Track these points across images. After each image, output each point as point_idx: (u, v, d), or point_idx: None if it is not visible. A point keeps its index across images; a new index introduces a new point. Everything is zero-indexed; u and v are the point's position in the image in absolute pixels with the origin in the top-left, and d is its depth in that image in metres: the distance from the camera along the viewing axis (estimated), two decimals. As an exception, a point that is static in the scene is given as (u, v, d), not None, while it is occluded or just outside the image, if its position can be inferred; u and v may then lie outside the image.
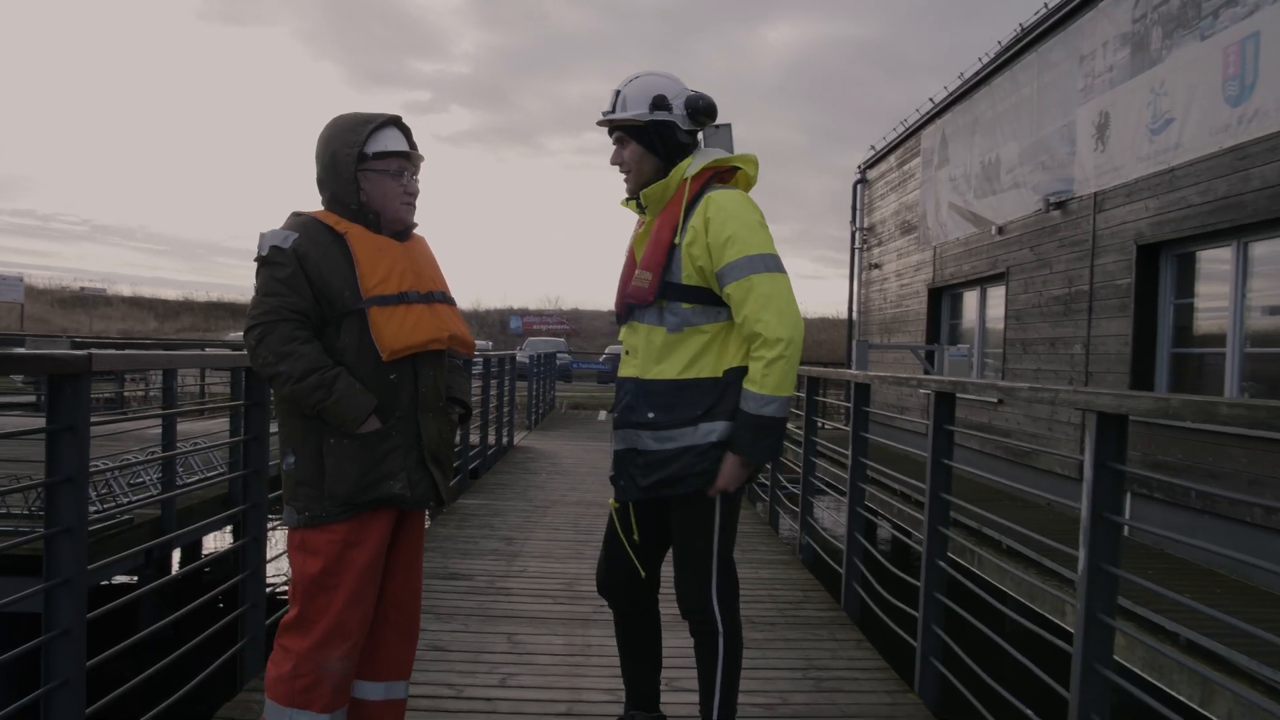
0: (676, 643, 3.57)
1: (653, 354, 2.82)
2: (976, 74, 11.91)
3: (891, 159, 15.74)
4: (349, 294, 2.59)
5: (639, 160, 2.86)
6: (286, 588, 2.77)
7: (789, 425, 8.27)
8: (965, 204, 12.14)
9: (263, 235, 2.63)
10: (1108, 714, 2.58)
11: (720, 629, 2.90)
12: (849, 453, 5.34)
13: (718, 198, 2.74)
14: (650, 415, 2.80)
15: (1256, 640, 4.90)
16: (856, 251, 17.43)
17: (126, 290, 59.02)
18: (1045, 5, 11.13)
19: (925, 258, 13.65)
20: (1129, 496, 6.91)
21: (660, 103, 2.82)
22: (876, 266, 16.33)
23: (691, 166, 2.83)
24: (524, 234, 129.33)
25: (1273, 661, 4.66)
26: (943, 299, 13.45)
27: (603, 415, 21.69)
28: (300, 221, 2.65)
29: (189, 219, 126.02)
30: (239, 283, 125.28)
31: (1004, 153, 11.02)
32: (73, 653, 2.57)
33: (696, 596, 2.91)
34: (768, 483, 7.95)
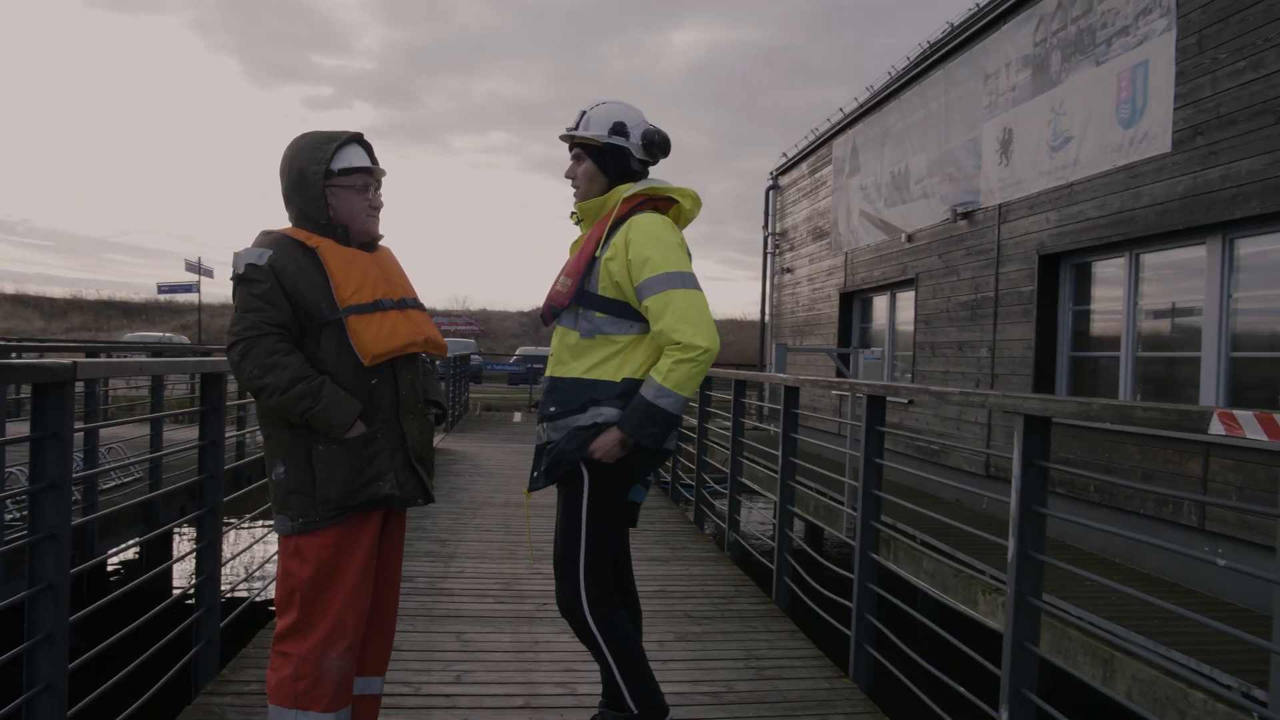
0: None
1: (565, 354, 3.00)
2: (886, 87, 12.38)
3: (804, 166, 16.20)
4: (325, 305, 2.70)
5: (590, 178, 3.05)
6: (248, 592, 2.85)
7: (717, 429, 8.50)
8: (876, 212, 12.61)
9: (237, 254, 2.72)
10: (1035, 689, 2.86)
11: (597, 633, 2.97)
12: (779, 453, 5.59)
13: (640, 220, 2.91)
14: (552, 409, 2.98)
15: (1153, 622, 5.33)
16: (769, 256, 17.86)
17: (9, 288, 56.50)
18: (950, 25, 11.66)
19: (837, 263, 14.11)
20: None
21: (619, 129, 3.02)
22: (789, 271, 16.78)
23: (630, 190, 3.01)
24: (430, 233, 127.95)
25: (1165, 641, 5.08)
26: (854, 303, 13.93)
27: (518, 417, 21.71)
28: (272, 239, 2.75)
29: (77, 214, 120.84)
30: (135, 280, 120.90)
31: (913, 164, 11.49)
32: (56, 657, 2.62)
33: (568, 595, 3.01)
34: (693, 483, 8.19)
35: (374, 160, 2.91)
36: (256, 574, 9.54)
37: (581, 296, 2.96)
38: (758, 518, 13.30)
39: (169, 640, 3.65)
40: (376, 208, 2.89)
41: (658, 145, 3.06)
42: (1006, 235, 9.10)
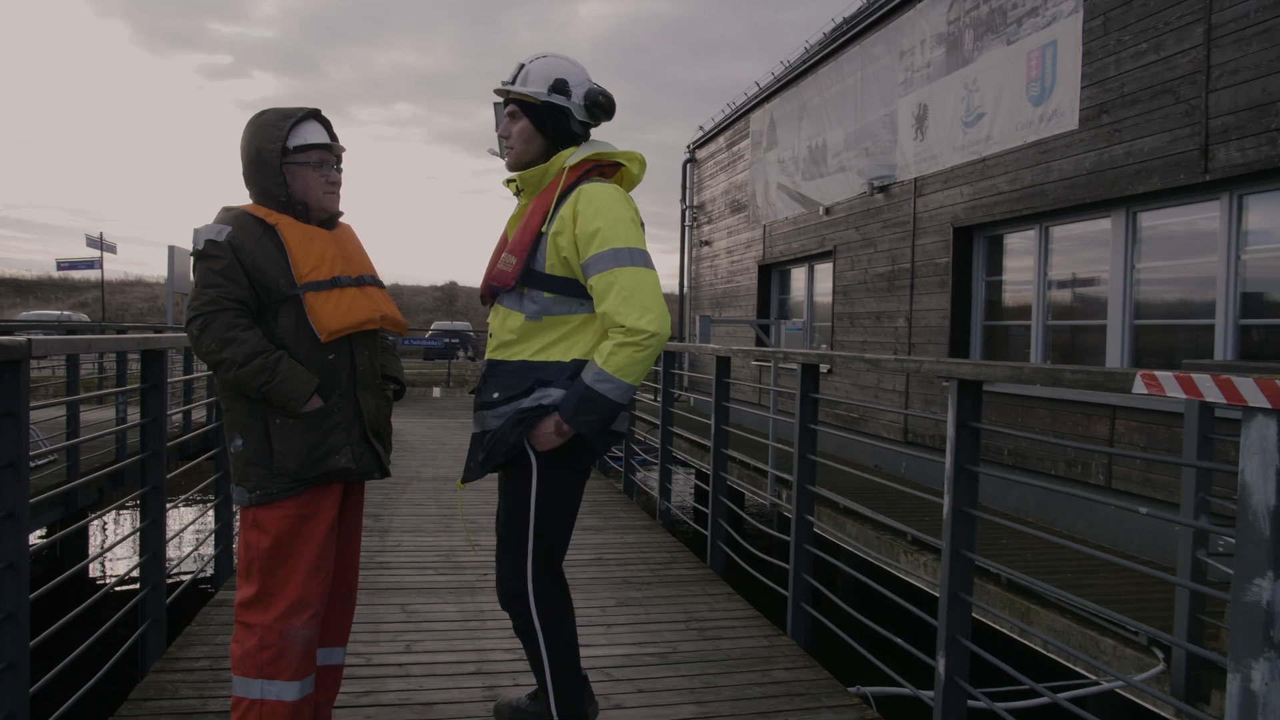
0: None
1: (508, 336, 2.80)
2: (803, 61, 12.58)
3: (721, 140, 16.36)
4: (284, 281, 2.72)
5: (526, 139, 2.81)
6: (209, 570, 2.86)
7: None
8: (794, 185, 12.84)
9: (197, 230, 2.74)
10: (970, 635, 3.05)
11: (539, 630, 2.81)
12: (711, 422, 5.74)
13: (590, 190, 2.69)
14: (495, 395, 2.78)
15: (1065, 575, 5.64)
16: (686, 229, 18.02)
17: (-111, 265, 53.54)
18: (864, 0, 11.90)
19: (755, 235, 14.33)
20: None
21: (560, 86, 2.78)
22: (707, 244, 16.97)
23: (574, 156, 2.79)
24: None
25: (1077, 593, 5.40)
26: (773, 275, 14.18)
27: (437, 392, 21.56)
28: (232, 215, 2.77)
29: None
30: (24, 257, 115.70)
31: (830, 138, 11.73)
32: (18, 636, 2.62)
33: (512, 585, 2.83)
34: (622, 454, 8.31)
35: (333, 137, 2.93)
36: (196, 553, 9.37)
37: (528, 276, 2.75)
38: (680, 486, 13.52)
39: (115, 620, 3.64)
40: (334, 184, 2.90)
41: (601, 106, 2.83)
42: (922, 208, 9.39)
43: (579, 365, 2.74)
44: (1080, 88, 7.14)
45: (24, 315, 33.55)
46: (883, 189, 10.17)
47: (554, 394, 2.70)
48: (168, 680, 3.63)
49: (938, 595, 3.14)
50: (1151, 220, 6.82)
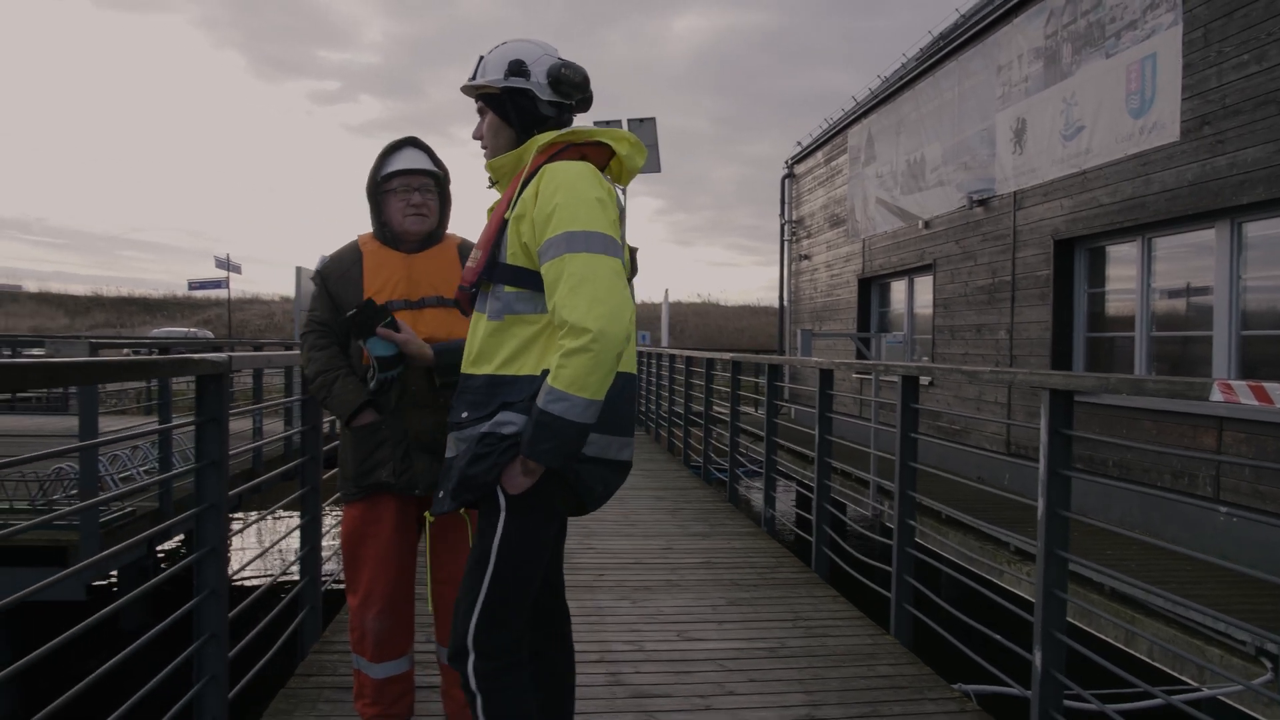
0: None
1: (474, 345, 2.42)
2: (901, 78, 12.72)
3: (819, 155, 16.54)
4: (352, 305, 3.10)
5: (494, 131, 2.55)
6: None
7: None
8: (892, 200, 12.97)
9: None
10: (1065, 632, 3.26)
11: (476, 694, 2.34)
12: (815, 433, 5.99)
13: (553, 167, 2.35)
14: (464, 414, 2.36)
15: (1170, 585, 5.71)
16: (786, 244, 18.23)
17: (32, 286, 57.18)
18: (959, 13, 12.01)
19: (854, 249, 14.47)
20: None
21: (516, 68, 2.49)
22: (806, 258, 17.14)
23: (549, 138, 2.47)
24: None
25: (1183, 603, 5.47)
26: (872, 288, 14.30)
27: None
28: (342, 246, 3.19)
29: (89, 212, 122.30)
30: (148, 276, 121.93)
31: (928, 152, 11.84)
32: (220, 609, 3.05)
33: (457, 634, 2.36)
34: (727, 465, 8.60)
35: (436, 161, 3.18)
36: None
37: (492, 269, 2.39)
38: (780, 495, 13.71)
39: (282, 605, 4.09)
40: (415, 206, 3.09)
41: (568, 81, 2.48)
42: (1022, 221, 9.46)
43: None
44: (1181, 100, 7.18)
45: (155, 332, 35.58)
46: (982, 202, 10.26)
47: (516, 420, 2.26)
48: (325, 660, 4.07)
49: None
50: (1258, 230, 6.82)
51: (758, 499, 9.55)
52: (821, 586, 5.54)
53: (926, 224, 11.77)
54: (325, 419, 4.53)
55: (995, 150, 10.07)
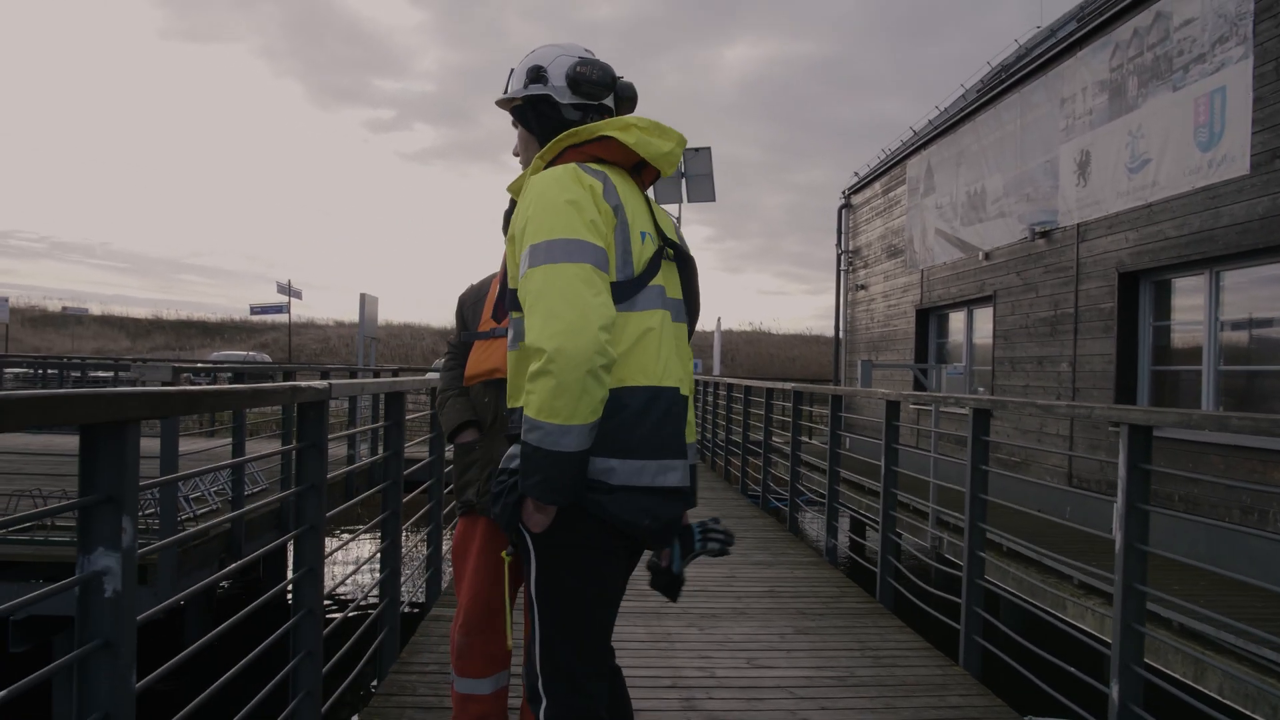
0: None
1: (509, 380, 2.25)
2: (960, 109, 12.74)
3: (876, 186, 16.57)
4: (468, 331, 3.25)
5: (525, 145, 2.43)
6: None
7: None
8: (952, 231, 12.95)
9: None
10: (1142, 663, 3.27)
11: None
12: (881, 463, 6.02)
13: (533, 179, 2.16)
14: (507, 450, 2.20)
15: (1243, 622, 5.63)
16: (842, 274, 18.24)
17: (96, 309, 58.83)
18: (1017, 41, 12.02)
19: (913, 280, 14.45)
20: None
21: (535, 74, 2.34)
22: (863, 288, 17.13)
23: (548, 146, 2.26)
24: (492, 251, 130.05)
25: (1256, 641, 5.39)
26: (930, 319, 14.26)
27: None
28: (485, 277, 3.32)
29: (150, 236, 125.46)
30: (206, 300, 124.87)
31: (989, 184, 11.83)
32: (316, 627, 3.17)
33: (528, 679, 2.23)
34: (786, 494, 8.62)
35: None
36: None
37: (503, 297, 2.29)
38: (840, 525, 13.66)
39: (364, 627, 4.22)
40: None
41: (587, 80, 2.30)
42: (1085, 254, 9.41)
43: None
44: (1251, 133, 7.14)
45: (215, 355, 36.42)
46: (1044, 234, 10.22)
47: (518, 454, 2.09)
48: (405, 680, 4.18)
49: (1106, 634, 3.36)
50: (1330, 265, 6.75)
51: (813, 528, 9.57)
52: (887, 617, 5.55)
53: (987, 255, 11.74)
54: (407, 444, 4.67)
55: (1058, 182, 10.05)
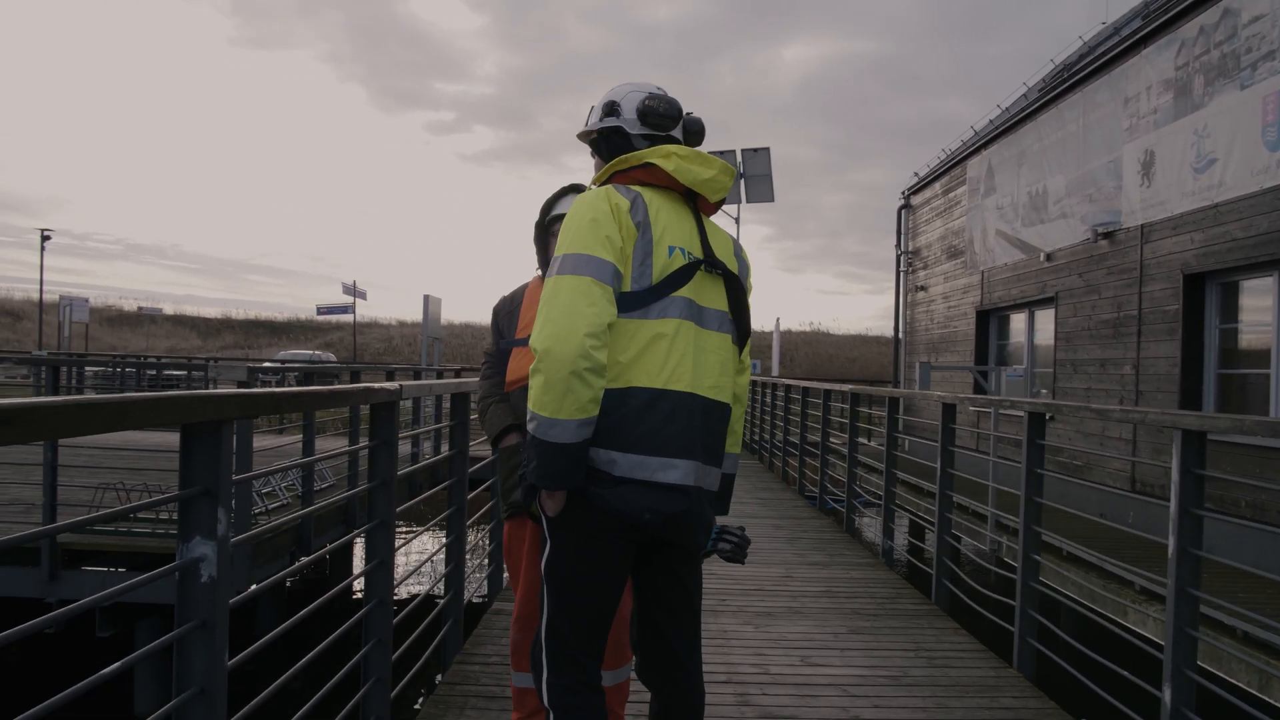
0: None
1: None
2: (1022, 109, 12.62)
3: (936, 186, 16.45)
4: (505, 339, 3.34)
5: (597, 173, 2.60)
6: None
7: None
8: (1013, 232, 12.83)
9: None
10: (1196, 667, 3.29)
11: (548, 708, 2.40)
12: (937, 465, 6.05)
13: (578, 197, 2.42)
14: None
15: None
16: (902, 274, 18.13)
17: (169, 309, 60.55)
18: (1081, 38, 11.86)
19: (973, 281, 14.34)
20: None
21: (610, 109, 2.57)
22: (923, 289, 17.02)
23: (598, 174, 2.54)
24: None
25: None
26: (990, 321, 14.13)
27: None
28: (519, 286, 3.45)
29: (220, 238, 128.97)
30: (272, 300, 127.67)
31: (1051, 184, 11.71)
32: (387, 617, 3.33)
33: (533, 652, 2.52)
34: (843, 495, 8.66)
35: None
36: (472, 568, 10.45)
37: None
38: (897, 527, 13.61)
39: (427, 623, 4.38)
40: None
41: (654, 112, 2.50)
42: (1149, 255, 9.29)
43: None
44: (1321, 133, 7.01)
45: (282, 355, 37.27)
46: (1107, 235, 10.10)
47: None
48: (469, 670, 4.33)
49: (1163, 640, 3.38)
50: (1404, 267, 6.61)
51: (869, 529, 9.58)
52: (942, 618, 5.58)
53: (1048, 256, 11.62)
54: (471, 443, 4.82)
55: (1121, 183, 9.93)
